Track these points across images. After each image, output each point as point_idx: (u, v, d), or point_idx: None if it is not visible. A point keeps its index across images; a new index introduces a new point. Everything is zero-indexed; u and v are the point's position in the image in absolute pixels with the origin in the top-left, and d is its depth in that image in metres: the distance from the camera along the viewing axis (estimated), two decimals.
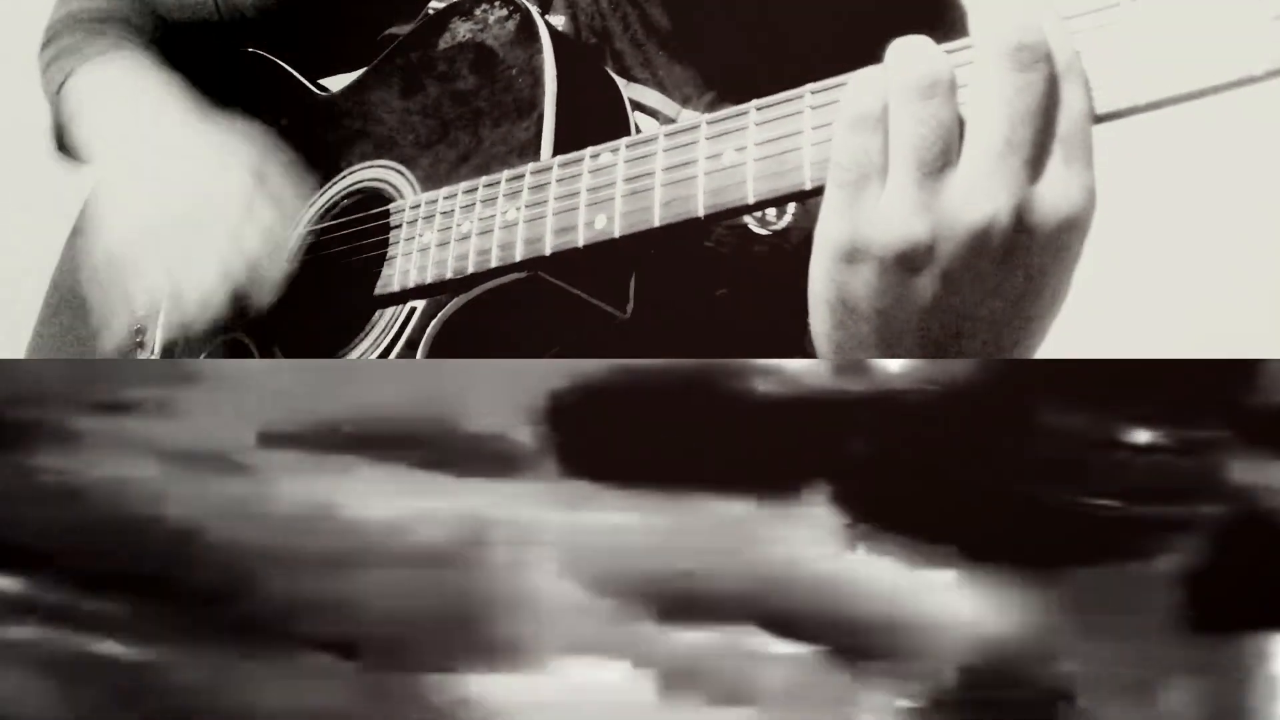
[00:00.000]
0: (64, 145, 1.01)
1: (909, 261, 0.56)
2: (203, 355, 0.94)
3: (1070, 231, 0.55)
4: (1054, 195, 0.54)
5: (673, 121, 0.85)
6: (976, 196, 0.54)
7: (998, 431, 0.61)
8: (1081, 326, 0.71)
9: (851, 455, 0.62)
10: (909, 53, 0.55)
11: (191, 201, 0.83)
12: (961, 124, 0.55)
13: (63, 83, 0.98)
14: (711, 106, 0.85)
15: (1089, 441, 0.60)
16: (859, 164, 0.56)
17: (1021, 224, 0.54)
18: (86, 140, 0.94)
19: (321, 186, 0.92)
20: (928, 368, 0.61)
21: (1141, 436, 0.60)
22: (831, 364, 0.64)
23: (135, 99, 0.93)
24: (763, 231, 0.85)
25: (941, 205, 0.55)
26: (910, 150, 0.55)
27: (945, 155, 0.55)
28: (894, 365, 0.62)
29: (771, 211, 0.85)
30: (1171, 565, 0.60)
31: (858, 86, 0.57)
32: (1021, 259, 0.55)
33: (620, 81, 0.86)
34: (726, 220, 0.75)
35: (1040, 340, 0.60)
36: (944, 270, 0.55)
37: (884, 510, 0.62)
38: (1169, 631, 0.60)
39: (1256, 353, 0.64)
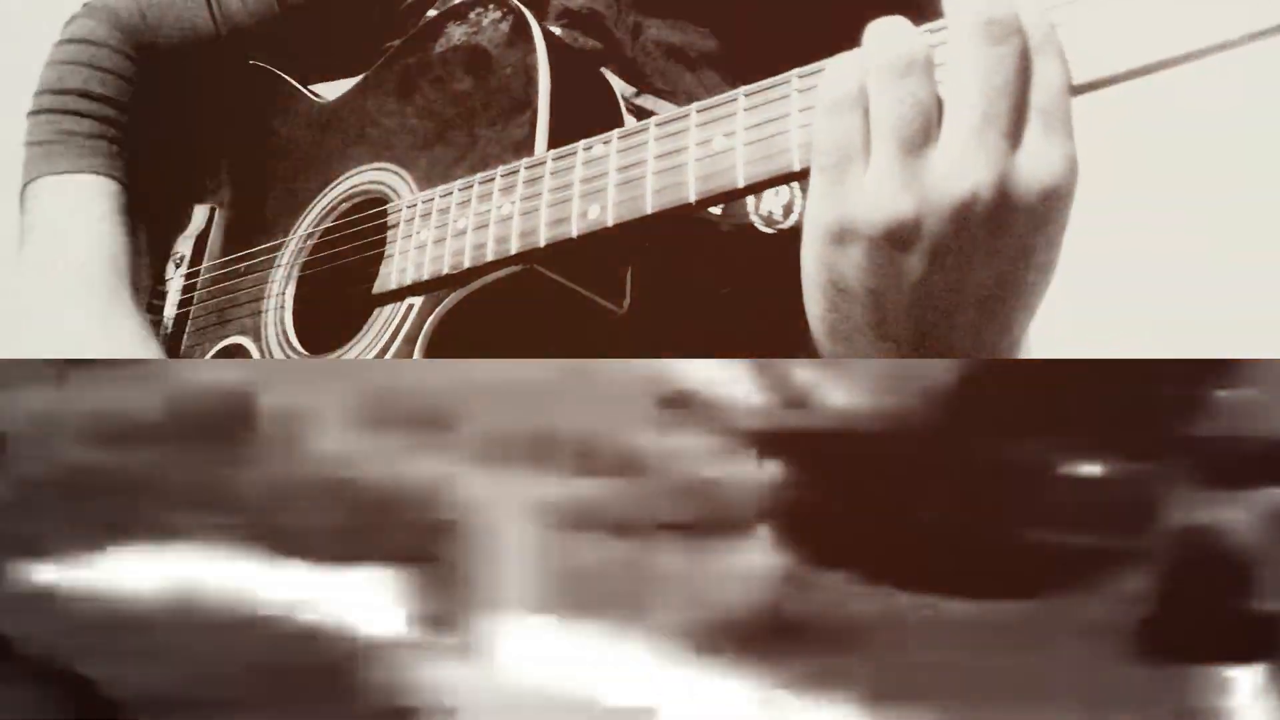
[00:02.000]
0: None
1: (896, 239, 0.56)
2: (206, 356, 0.95)
3: (1053, 201, 0.55)
4: (1035, 165, 0.55)
5: None
6: (958, 171, 0.55)
7: (939, 465, 0.62)
8: (1072, 324, 0.71)
9: (792, 491, 0.63)
10: (885, 33, 0.56)
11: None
12: (940, 101, 0.56)
13: (28, 181, 1.01)
14: None
15: (1032, 474, 0.61)
16: (840, 146, 0.57)
17: (1004, 196, 0.55)
18: (24, 265, 0.99)
19: (321, 191, 0.93)
20: (871, 397, 0.62)
21: (1086, 469, 0.61)
22: (826, 362, 0.65)
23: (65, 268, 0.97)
24: (768, 230, 0.86)
25: (924, 182, 0.55)
26: (890, 130, 0.56)
27: (925, 132, 0.55)
28: (837, 398, 0.63)
29: (778, 210, 0.86)
30: (1118, 597, 0.61)
31: (835, 70, 0.58)
32: (1007, 231, 0.56)
33: (629, 90, 0.88)
34: (719, 204, 0.76)
35: (1029, 318, 0.61)
36: (931, 246, 0.56)
37: (825, 547, 0.63)
38: (1115, 664, 0.60)
39: (1243, 351, 0.65)
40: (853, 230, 0.57)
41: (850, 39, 0.60)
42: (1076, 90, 0.55)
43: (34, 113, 1.04)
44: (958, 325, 0.59)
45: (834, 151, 0.57)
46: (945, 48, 0.57)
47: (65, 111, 1.02)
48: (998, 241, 0.56)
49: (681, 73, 0.90)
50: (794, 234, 0.86)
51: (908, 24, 0.56)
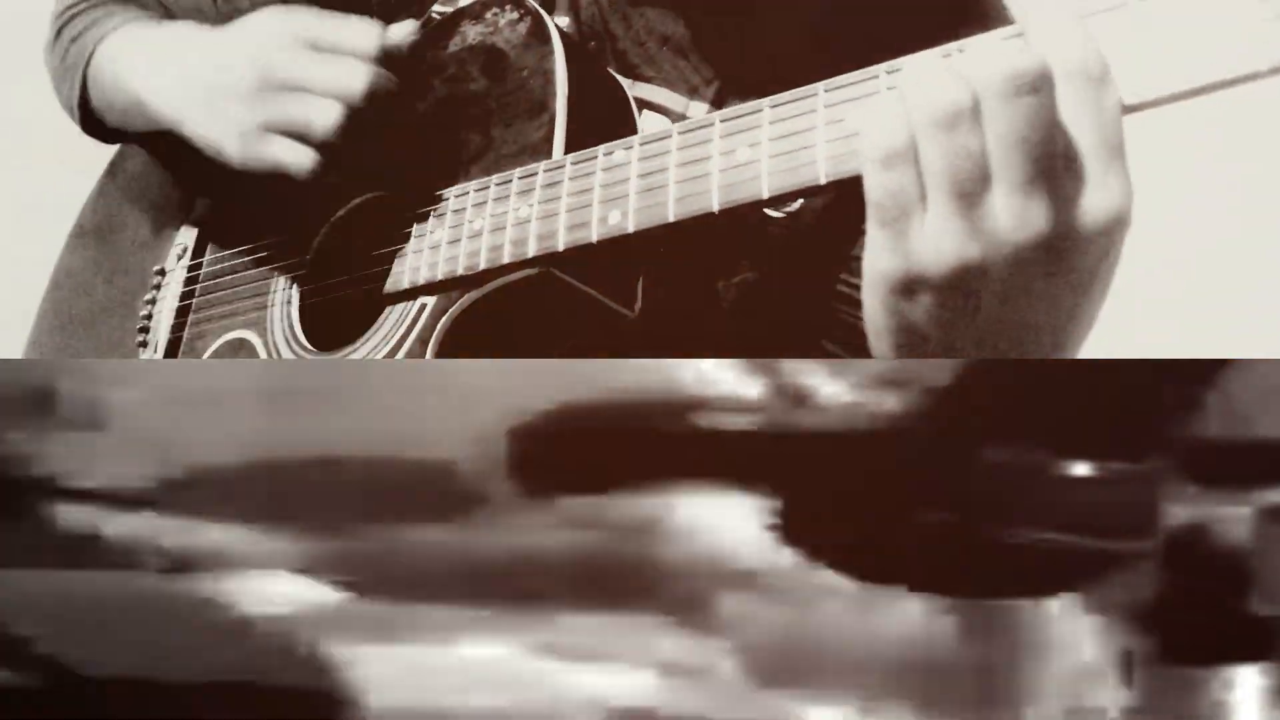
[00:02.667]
0: (93, 121, 1.02)
1: (965, 284, 0.57)
2: (207, 354, 0.95)
3: (1115, 230, 0.56)
4: (1095, 201, 0.55)
5: (681, 116, 0.86)
6: (1020, 221, 0.55)
7: (939, 465, 0.62)
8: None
9: (795, 490, 0.63)
10: (925, 82, 0.56)
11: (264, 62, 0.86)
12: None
13: (91, 54, 0.98)
14: (717, 97, 0.87)
15: (1032, 474, 0.62)
16: (899, 200, 0.57)
17: (1068, 235, 0.55)
18: (143, 75, 0.95)
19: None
20: (872, 397, 0.62)
21: (1085, 469, 0.62)
22: (827, 362, 0.66)
23: (184, 33, 0.95)
24: (776, 214, 0.86)
25: (988, 227, 0.55)
26: (947, 183, 0.55)
27: (982, 180, 0.55)
28: (838, 397, 0.63)
29: None
30: (1118, 597, 0.61)
31: (881, 122, 0.57)
32: (1071, 265, 0.56)
33: (626, 81, 0.87)
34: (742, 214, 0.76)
35: (1088, 333, 0.62)
36: (1001, 288, 0.57)
37: (824, 546, 0.63)
38: (1115, 665, 0.61)
39: (1243, 351, 0.66)
40: (921, 280, 0.58)
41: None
42: (1128, 110, 0.55)
43: (64, 24, 1.02)
44: (1024, 353, 0.60)
45: (893, 206, 0.57)
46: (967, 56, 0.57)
47: (99, 4, 1.01)
48: (1062, 276, 0.57)
49: (675, 60, 0.90)
50: (803, 216, 0.86)
51: (944, 69, 0.55)
